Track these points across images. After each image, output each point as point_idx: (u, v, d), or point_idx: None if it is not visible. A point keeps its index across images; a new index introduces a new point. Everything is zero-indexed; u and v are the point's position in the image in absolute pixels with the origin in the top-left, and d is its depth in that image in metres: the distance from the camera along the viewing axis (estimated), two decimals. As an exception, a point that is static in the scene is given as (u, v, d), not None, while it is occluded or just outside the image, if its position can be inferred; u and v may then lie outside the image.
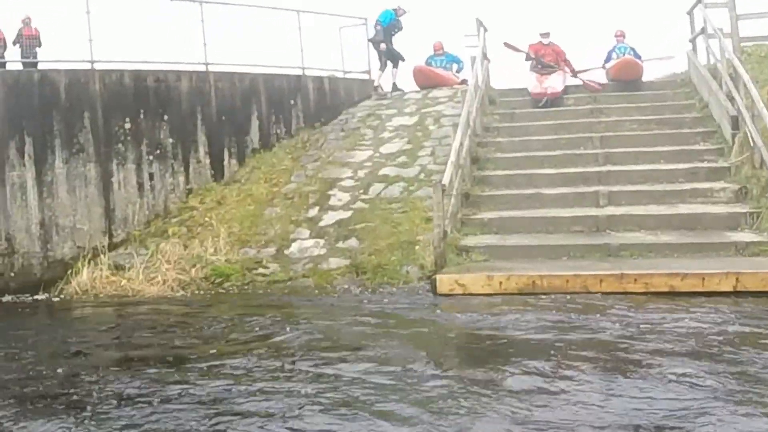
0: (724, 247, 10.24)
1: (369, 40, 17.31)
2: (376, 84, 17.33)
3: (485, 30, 16.51)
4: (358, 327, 8.31)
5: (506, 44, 16.87)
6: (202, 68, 14.15)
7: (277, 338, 7.93)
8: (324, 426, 5.17)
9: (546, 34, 16.64)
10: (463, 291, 9.58)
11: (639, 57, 16.95)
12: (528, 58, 16.55)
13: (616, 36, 17.67)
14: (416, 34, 18.63)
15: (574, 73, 16.57)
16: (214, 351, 7.50)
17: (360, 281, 10.59)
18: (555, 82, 15.84)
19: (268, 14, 15.92)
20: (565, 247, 10.69)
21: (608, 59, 17.29)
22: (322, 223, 12.14)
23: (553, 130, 14.37)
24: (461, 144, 12.04)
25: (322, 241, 11.67)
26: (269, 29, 15.63)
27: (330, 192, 12.97)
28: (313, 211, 12.50)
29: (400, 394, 5.75)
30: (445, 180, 10.74)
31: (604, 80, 16.82)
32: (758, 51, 14.74)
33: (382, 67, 17.40)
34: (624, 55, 16.93)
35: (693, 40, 16.44)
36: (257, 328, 8.43)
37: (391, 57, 17.56)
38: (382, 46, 17.24)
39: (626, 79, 16.44)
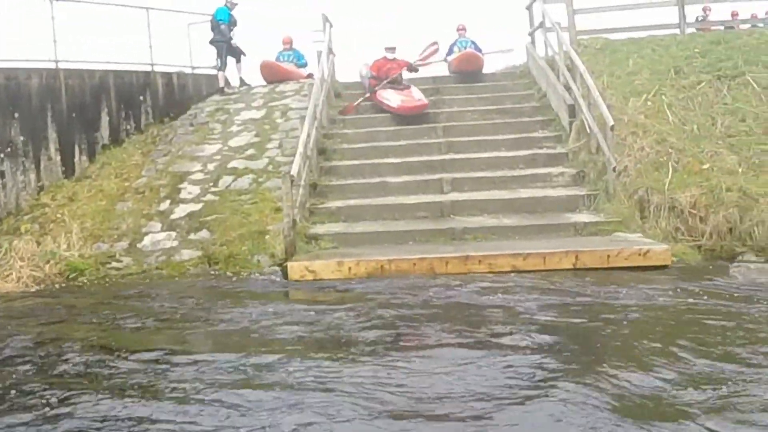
0: (563, 228, 11.10)
1: (211, 42, 17.55)
2: (221, 85, 17.56)
3: (331, 25, 17.18)
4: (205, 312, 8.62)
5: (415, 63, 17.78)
6: (53, 65, 14.04)
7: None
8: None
9: (392, 49, 16.29)
10: (314, 277, 9.97)
11: (480, 50, 18.00)
12: (367, 84, 16.21)
13: (458, 30, 18.76)
14: (265, 29, 18.97)
15: (421, 63, 16.92)
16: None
17: (213, 271, 10.88)
18: (420, 94, 15.63)
19: (119, 11, 16.22)
20: (411, 232, 11.27)
21: (450, 52, 18.28)
22: (173, 216, 12.34)
23: (397, 120, 15.09)
24: (308, 136, 12.48)
25: (174, 234, 11.89)
26: (119, 26, 15.71)
27: (180, 185, 13.20)
28: (165, 205, 12.70)
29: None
30: (294, 171, 11.14)
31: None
32: (594, 43, 15.79)
33: (223, 67, 17.66)
34: (466, 48, 17.94)
35: (532, 34, 17.56)
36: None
37: (234, 53, 17.87)
38: (232, 43, 17.59)
39: (468, 70, 17.38)
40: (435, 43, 15.93)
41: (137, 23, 16.35)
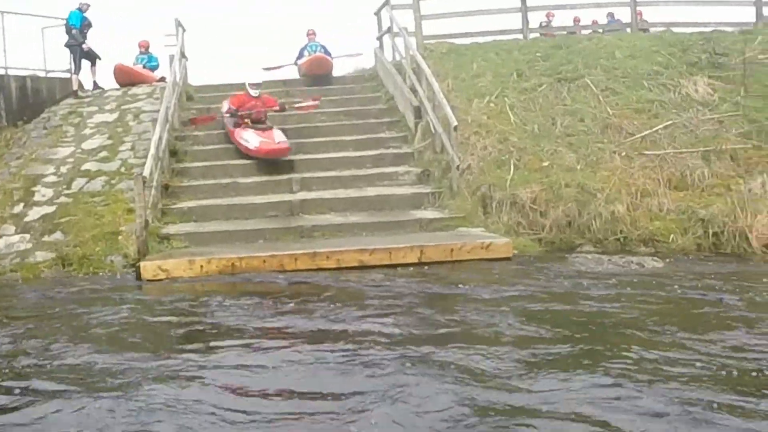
0: (409, 225, 11.46)
1: (66, 45, 17.30)
2: (75, 88, 17.31)
3: (184, 30, 17.27)
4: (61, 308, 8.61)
5: (266, 69, 18.16)
6: None
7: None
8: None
9: (256, 85, 14.69)
10: (167, 276, 10.02)
11: (329, 54, 18.34)
12: (230, 113, 14.41)
13: (308, 35, 19.06)
14: (123, 32, 18.83)
15: (295, 109, 15.23)
16: None
17: (67, 272, 10.80)
18: (282, 136, 13.92)
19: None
20: (261, 230, 11.43)
21: (300, 56, 18.56)
22: (27, 219, 12.20)
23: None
24: (160, 138, 12.55)
25: (27, 236, 11.77)
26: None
27: (34, 188, 13.08)
28: (18, 208, 12.56)
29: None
30: (146, 172, 11.20)
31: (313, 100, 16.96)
32: (440, 48, 16.20)
33: (77, 70, 17.45)
34: (315, 52, 18.22)
35: (380, 38, 17.95)
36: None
37: (89, 56, 17.65)
38: (85, 46, 17.33)
39: (317, 74, 17.68)
40: (318, 98, 15.18)
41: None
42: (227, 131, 14.47)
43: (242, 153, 13.74)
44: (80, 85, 17.59)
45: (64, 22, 17.42)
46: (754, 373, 5.52)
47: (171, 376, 5.86)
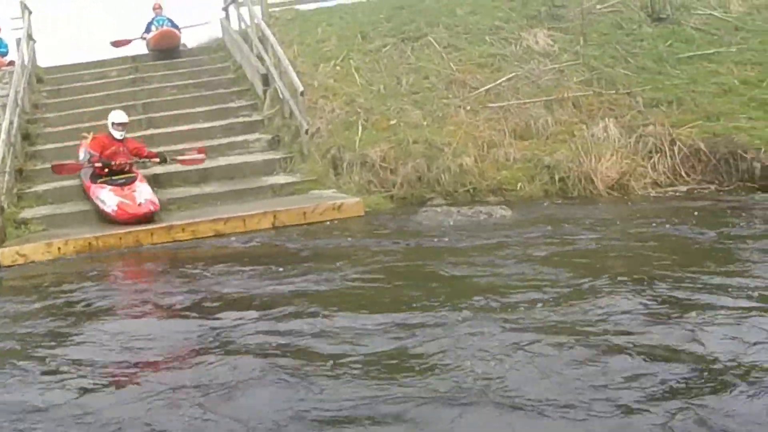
0: (262, 191, 11.63)
1: None
2: None
3: (30, 12, 17.01)
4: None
5: (114, 43, 18.06)
6: None
7: None
8: None
9: (121, 125, 12.01)
10: (25, 260, 9.94)
11: (177, 27, 18.18)
12: (88, 159, 11.74)
13: (154, 9, 18.77)
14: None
15: (168, 160, 12.32)
16: None
17: None
18: (148, 193, 11.21)
19: None
20: None
21: (148, 30, 18.32)
22: None
23: (100, 101, 14.92)
24: (11, 123, 12.42)
25: None
26: None
27: None
28: None
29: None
30: None
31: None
32: (285, 15, 16.27)
33: None
34: (163, 26, 18.04)
35: (226, 9, 17.84)
36: None
37: None
38: None
39: (166, 47, 17.59)
40: (203, 151, 13.35)
41: None
42: (82, 184, 11.89)
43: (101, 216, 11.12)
44: None
45: None
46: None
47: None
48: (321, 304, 6.44)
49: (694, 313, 5.59)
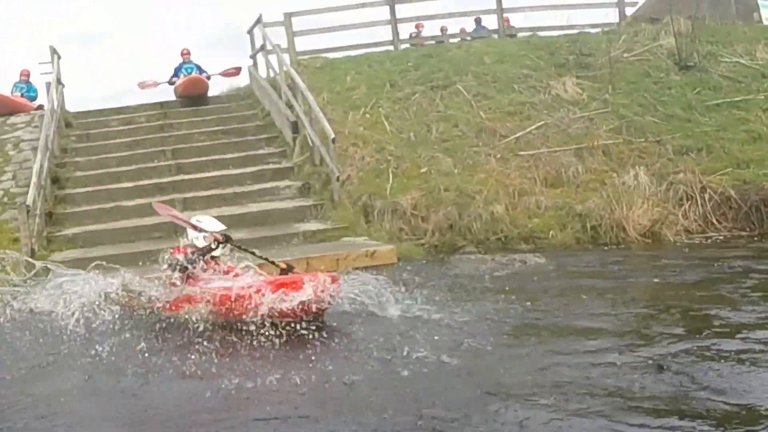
0: (293, 238, 11.54)
1: None
2: None
3: (59, 57, 17.17)
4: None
5: (140, 84, 18.29)
6: None
7: None
8: None
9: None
10: None
11: (204, 72, 18.39)
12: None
13: (182, 54, 18.93)
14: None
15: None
16: None
17: None
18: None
19: None
20: (147, 252, 11.10)
21: (176, 75, 18.52)
22: None
23: (128, 146, 15.19)
24: (42, 165, 12.52)
25: None
26: None
27: None
28: None
29: None
30: (29, 200, 11.16)
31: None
32: (314, 63, 16.52)
33: None
34: (191, 73, 18.21)
35: (254, 56, 18.14)
36: None
37: None
38: None
39: (194, 94, 17.74)
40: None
41: None
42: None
43: None
44: None
45: None
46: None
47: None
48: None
49: None
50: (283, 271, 7.92)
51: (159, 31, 49.33)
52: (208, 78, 18.01)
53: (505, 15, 18.31)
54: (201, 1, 51.77)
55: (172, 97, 18.42)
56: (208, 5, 53.15)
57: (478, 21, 20.73)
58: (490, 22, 19.28)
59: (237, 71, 17.87)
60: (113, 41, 48.50)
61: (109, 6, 49.41)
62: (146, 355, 6.61)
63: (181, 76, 18.28)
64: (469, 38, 19.21)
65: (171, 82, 18.57)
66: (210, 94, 18.21)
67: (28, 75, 19.14)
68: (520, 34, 18.14)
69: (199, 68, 18.52)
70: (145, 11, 50.74)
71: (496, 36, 18.29)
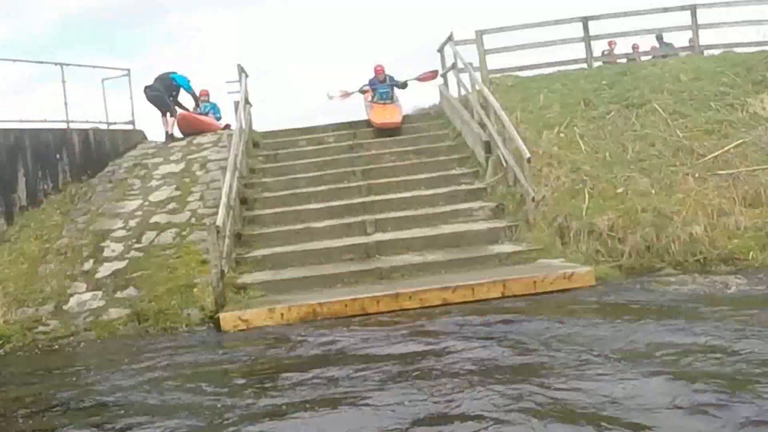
0: (488, 260, 11.58)
1: (152, 98, 18.50)
2: (171, 131, 18.34)
3: (246, 76, 17.64)
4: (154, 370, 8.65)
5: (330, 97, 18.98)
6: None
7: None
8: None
9: None
10: (247, 326, 10.01)
11: (397, 83, 18.61)
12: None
13: (375, 70, 18.81)
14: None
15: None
16: None
17: (143, 328, 10.84)
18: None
19: (33, 68, 16.46)
20: (338, 275, 11.52)
21: (372, 84, 18.60)
22: (98, 275, 12.31)
23: (317, 167, 15.52)
24: (230, 186, 12.73)
25: (100, 293, 11.83)
26: (33, 83, 15.87)
27: (103, 244, 13.22)
28: (88, 264, 12.66)
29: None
30: (219, 221, 11.33)
31: None
32: (505, 81, 16.66)
33: (174, 113, 18.53)
34: (385, 99, 18.27)
35: (444, 75, 18.37)
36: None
37: (171, 108, 18.64)
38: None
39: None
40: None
41: (52, 79, 16.55)
42: None
43: None
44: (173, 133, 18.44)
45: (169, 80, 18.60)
46: None
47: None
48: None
49: None
50: None
51: (352, 51, 50.63)
52: (404, 85, 18.50)
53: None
54: (396, 20, 52.88)
55: (362, 117, 18.38)
56: (403, 24, 54.26)
57: (659, 38, 20.46)
58: (676, 38, 19.05)
59: (434, 74, 18.06)
60: (302, 63, 50.08)
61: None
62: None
63: (375, 98, 18.35)
64: (662, 56, 18.93)
65: (362, 90, 18.71)
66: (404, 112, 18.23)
67: (208, 94, 19.97)
68: (713, 51, 17.67)
69: (392, 79, 18.58)
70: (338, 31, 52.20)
71: (682, 53, 17.94)
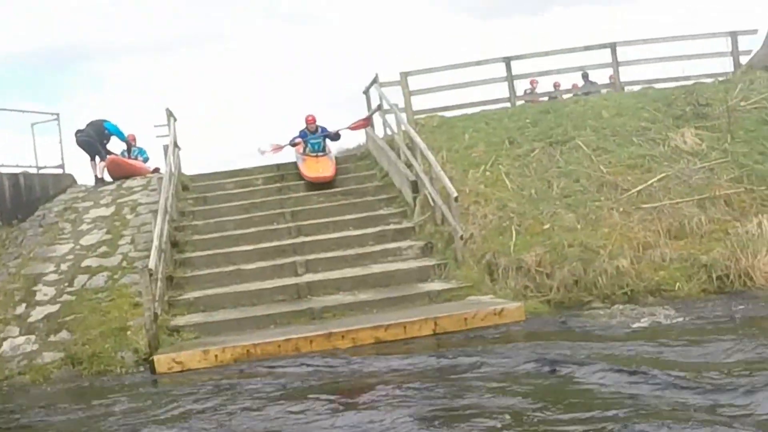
0: (419, 298, 11.68)
1: (81, 143, 18.31)
2: (100, 176, 18.16)
3: (175, 119, 17.63)
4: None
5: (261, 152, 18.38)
6: None
7: None
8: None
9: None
10: (182, 368, 10.08)
11: (329, 132, 18.18)
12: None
13: (307, 121, 18.22)
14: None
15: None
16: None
17: (77, 372, 10.86)
18: None
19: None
20: (271, 316, 11.55)
21: (302, 137, 18.04)
22: (31, 319, 12.27)
23: (245, 209, 15.59)
24: (161, 229, 12.75)
25: (33, 337, 11.80)
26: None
27: (35, 288, 13.17)
28: (21, 308, 12.62)
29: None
30: (151, 264, 11.37)
31: None
32: (431, 121, 16.79)
33: (104, 156, 18.31)
34: (318, 150, 17.69)
35: (370, 116, 18.48)
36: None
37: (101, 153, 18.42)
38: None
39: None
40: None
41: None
42: None
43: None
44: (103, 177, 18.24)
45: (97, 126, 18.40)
46: None
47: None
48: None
49: None
50: None
51: (275, 96, 50.71)
52: (337, 136, 18.20)
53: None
54: (318, 67, 53.26)
55: (290, 159, 18.22)
56: (326, 70, 54.62)
57: (585, 76, 20.89)
58: (600, 76, 19.44)
59: (366, 122, 17.71)
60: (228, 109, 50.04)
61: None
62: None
63: (307, 151, 17.77)
64: (581, 93, 19.31)
65: (293, 143, 18.21)
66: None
67: (135, 139, 19.84)
68: (633, 87, 18.07)
69: (324, 129, 18.11)
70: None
71: (604, 90, 18.34)
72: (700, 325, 9.68)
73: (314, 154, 17.47)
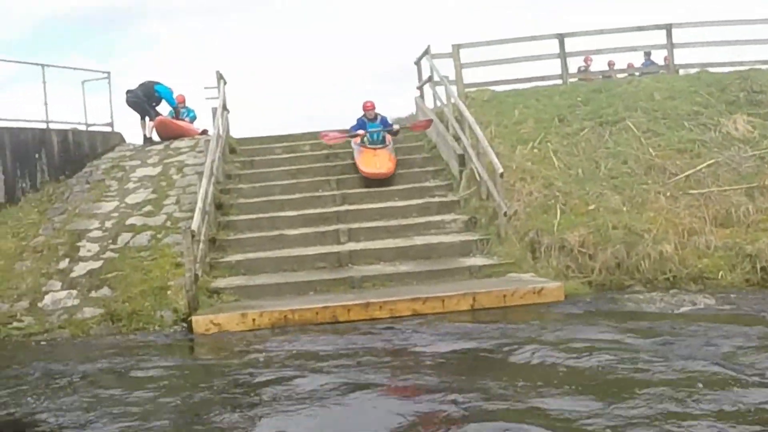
0: (459, 272, 11.71)
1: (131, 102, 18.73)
2: (149, 135, 18.48)
3: (225, 82, 17.61)
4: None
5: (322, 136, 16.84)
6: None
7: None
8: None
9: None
10: (219, 330, 10.25)
11: (390, 126, 16.62)
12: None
13: (365, 108, 16.57)
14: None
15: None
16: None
17: (116, 328, 11.04)
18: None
19: (13, 68, 16.25)
20: (311, 282, 11.65)
21: (360, 126, 16.72)
22: (73, 275, 12.44)
23: (292, 174, 15.62)
24: (206, 191, 12.82)
25: (75, 292, 11.97)
26: (11, 83, 15.88)
27: (79, 243, 13.33)
28: (64, 263, 12.79)
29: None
30: (194, 226, 11.46)
31: None
32: (481, 95, 16.74)
33: (153, 116, 18.68)
34: (376, 141, 16.12)
35: (420, 88, 18.47)
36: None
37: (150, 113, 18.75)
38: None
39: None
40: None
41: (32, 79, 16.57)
42: None
43: None
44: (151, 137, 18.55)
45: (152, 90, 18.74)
46: None
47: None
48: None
49: None
50: None
51: (326, 64, 50.74)
52: (396, 133, 16.31)
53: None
54: (375, 37, 53.09)
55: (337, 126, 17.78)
56: (379, 39, 54.52)
57: (647, 54, 20.59)
58: (658, 56, 19.16)
59: (428, 123, 16.54)
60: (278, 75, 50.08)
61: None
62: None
63: (365, 142, 16.21)
64: (637, 73, 19.10)
65: (352, 136, 16.38)
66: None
67: (184, 100, 20.02)
68: (684, 71, 17.81)
69: (384, 119, 16.49)
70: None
71: (662, 72, 18.11)
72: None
73: (372, 146, 15.84)
